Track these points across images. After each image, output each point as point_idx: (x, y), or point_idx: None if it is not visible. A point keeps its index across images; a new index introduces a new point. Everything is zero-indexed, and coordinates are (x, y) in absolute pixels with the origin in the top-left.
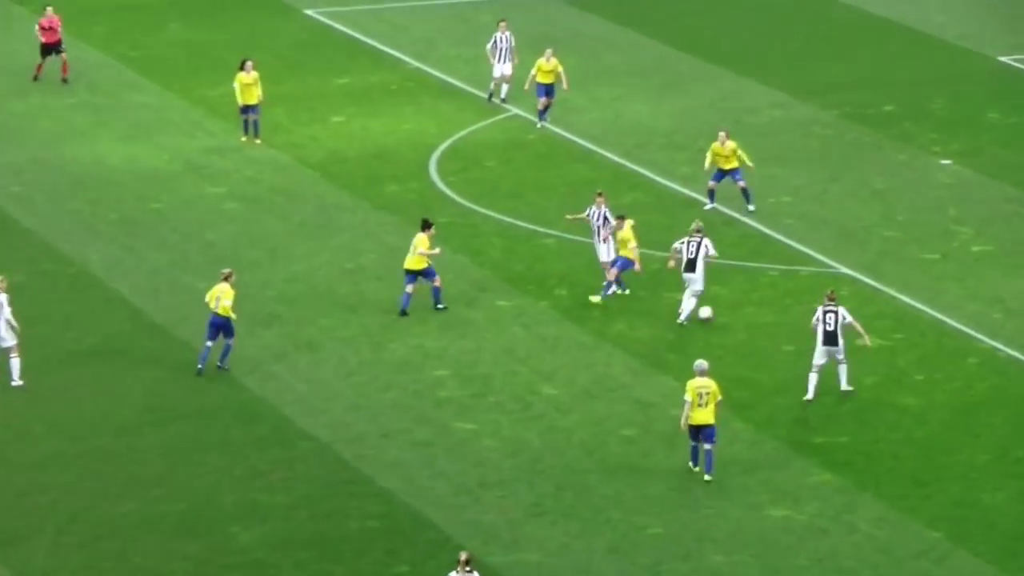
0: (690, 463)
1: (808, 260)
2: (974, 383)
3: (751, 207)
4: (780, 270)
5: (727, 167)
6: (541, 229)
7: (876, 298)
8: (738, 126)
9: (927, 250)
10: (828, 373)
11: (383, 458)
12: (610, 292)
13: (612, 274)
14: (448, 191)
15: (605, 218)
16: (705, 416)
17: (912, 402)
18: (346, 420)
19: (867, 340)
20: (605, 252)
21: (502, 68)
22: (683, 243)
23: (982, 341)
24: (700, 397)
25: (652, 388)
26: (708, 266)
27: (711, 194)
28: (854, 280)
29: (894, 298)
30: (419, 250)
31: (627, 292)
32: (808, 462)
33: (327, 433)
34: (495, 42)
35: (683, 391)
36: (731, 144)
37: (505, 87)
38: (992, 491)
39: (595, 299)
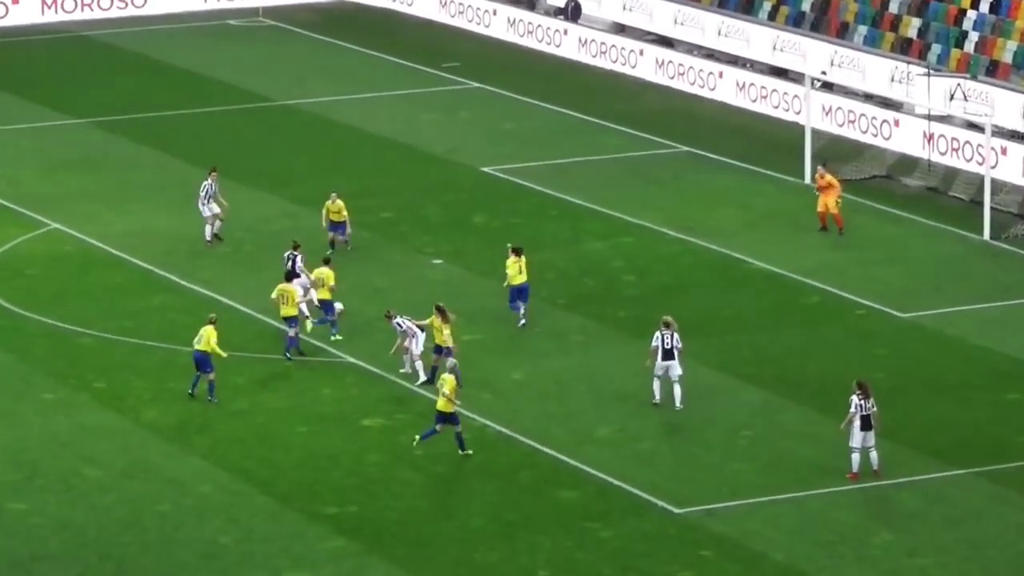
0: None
1: (321, 352)
2: (467, 457)
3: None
4: (296, 361)
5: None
6: (80, 329)
7: (379, 383)
8: (253, 234)
9: None
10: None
11: None
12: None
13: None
14: None
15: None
16: (443, 405)
17: (413, 475)
18: None
19: None
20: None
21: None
22: (658, 338)
23: (473, 419)
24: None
25: (181, 467)
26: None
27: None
28: (359, 368)
29: (395, 383)
30: None
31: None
32: (322, 530)
33: None
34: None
35: (207, 469)
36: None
37: (219, 223)
38: (485, 551)
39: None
